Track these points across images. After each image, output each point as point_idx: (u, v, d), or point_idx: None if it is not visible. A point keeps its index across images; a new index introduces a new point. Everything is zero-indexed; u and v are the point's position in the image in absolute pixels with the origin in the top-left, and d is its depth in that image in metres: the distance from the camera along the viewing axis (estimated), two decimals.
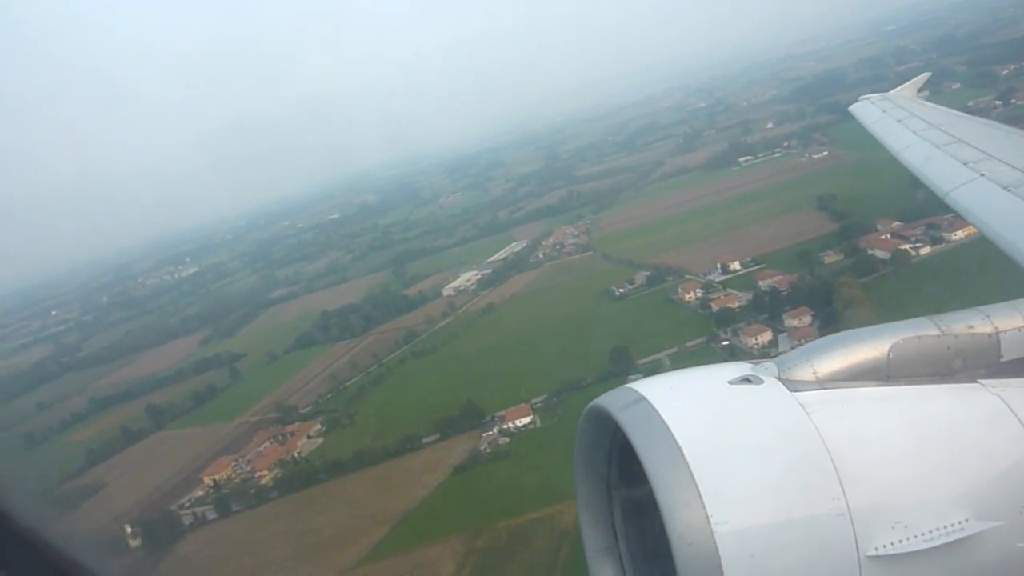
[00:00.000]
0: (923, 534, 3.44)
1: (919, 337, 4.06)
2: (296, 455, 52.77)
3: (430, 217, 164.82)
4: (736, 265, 61.91)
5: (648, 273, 66.77)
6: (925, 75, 14.20)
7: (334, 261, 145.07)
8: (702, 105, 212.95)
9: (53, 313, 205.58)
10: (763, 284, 55.07)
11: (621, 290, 65.94)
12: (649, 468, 3.41)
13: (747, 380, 3.85)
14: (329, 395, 64.98)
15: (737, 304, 53.89)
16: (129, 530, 49.03)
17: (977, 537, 3.47)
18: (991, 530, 3.48)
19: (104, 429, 77.18)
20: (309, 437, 55.58)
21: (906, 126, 11.01)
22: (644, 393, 3.73)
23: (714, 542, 3.25)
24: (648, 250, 76.16)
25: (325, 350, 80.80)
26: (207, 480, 53.07)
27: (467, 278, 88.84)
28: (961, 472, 3.62)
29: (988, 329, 4.16)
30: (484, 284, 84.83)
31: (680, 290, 61.03)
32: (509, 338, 62.34)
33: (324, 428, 57.04)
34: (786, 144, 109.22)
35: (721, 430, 3.61)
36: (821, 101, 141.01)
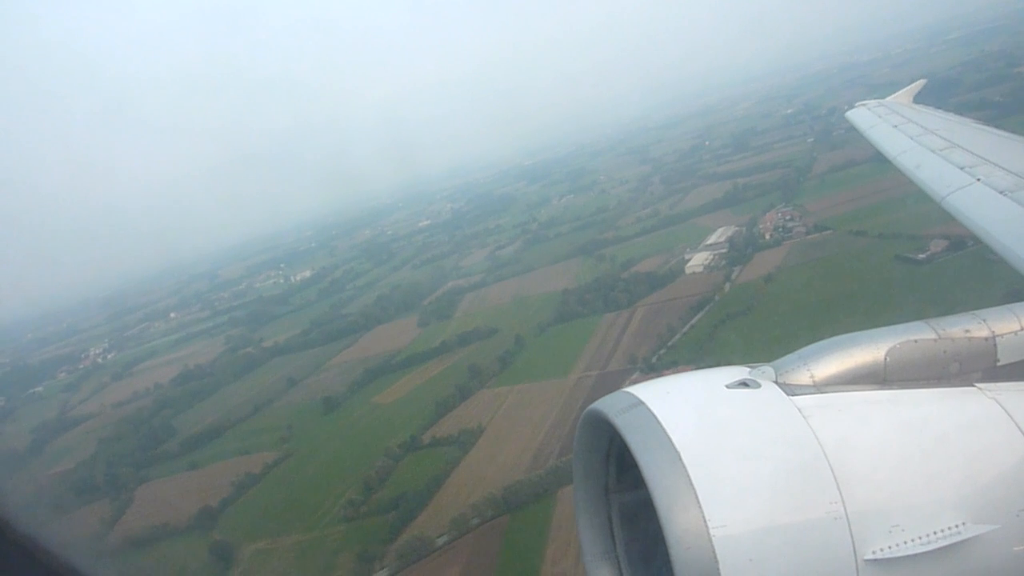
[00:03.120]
0: (920, 538, 3.52)
1: (916, 341, 4.19)
2: None
3: (564, 215, 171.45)
4: None
5: (946, 241, 73.59)
6: (921, 82, 14.52)
7: (491, 255, 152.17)
8: (790, 111, 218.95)
9: (172, 315, 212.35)
10: None
11: (921, 255, 73.05)
12: (647, 472, 3.53)
13: (744, 384, 3.99)
14: (662, 350, 71.96)
15: None
16: None
17: (973, 541, 3.54)
18: (987, 534, 3.56)
19: (407, 392, 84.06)
20: None
21: (902, 131, 11.08)
22: (642, 397, 3.88)
23: (712, 546, 3.33)
24: (902, 225, 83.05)
25: (595, 321, 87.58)
26: None
27: (702, 258, 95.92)
28: (957, 476, 3.70)
29: (984, 333, 4.27)
30: (730, 262, 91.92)
31: None
32: (835, 296, 69.10)
33: None
34: None
35: (719, 434, 3.74)
36: (950, 100, 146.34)
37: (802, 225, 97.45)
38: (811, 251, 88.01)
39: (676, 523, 3.36)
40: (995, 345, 4.26)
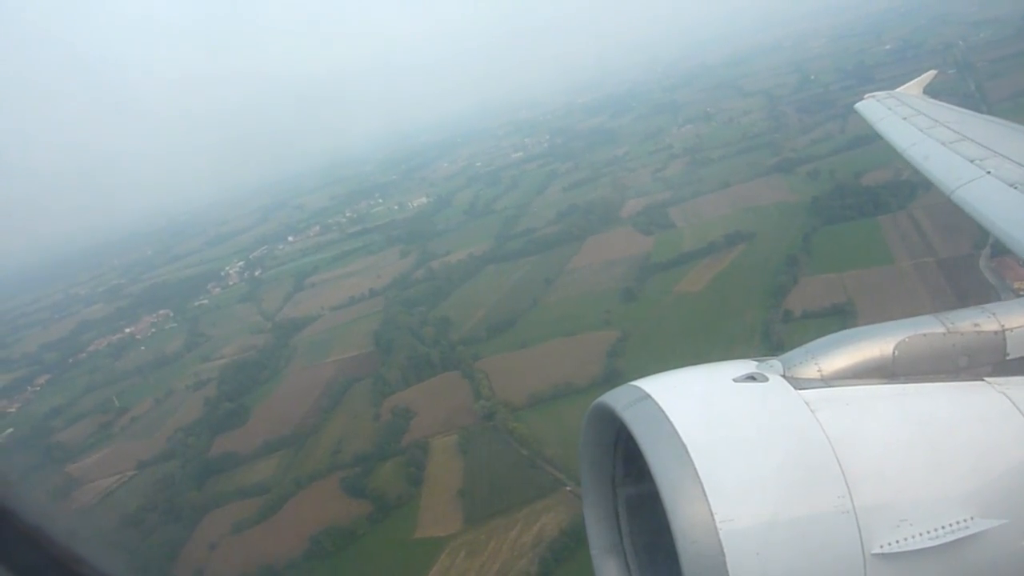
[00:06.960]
0: (928, 532, 3.54)
1: (924, 335, 4.24)
2: None
3: (704, 143, 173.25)
4: None
5: None
6: (931, 73, 14.73)
7: (655, 177, 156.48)
8: (888, 47, 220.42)
9: (290, 239, 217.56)
10: None
11: None
12: (654, 466, 3.56)
13: (752, 378, 4.03)
14: (992, 237, 79.28)
15: None
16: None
17: (982, 535, 3.56)
18: (996, 528, 3.57)
19: (706, 283, 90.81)
20: None
21: (912, 123, 11.19)
22: (649, 391, 3.94)
23: (719, 540, 3.36)
24: None
25: (870, 222, 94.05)
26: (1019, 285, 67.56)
27: None
28: (966, 470, 3.73)
29: (994, 327, 4.31)
30: None
31: None
32: None
33: None
34: None
35: (726, 428, 3.78)
36: None
37: None
38: None
39: (683, 516, 3.41)
40: (1004, 339, 4.30)
